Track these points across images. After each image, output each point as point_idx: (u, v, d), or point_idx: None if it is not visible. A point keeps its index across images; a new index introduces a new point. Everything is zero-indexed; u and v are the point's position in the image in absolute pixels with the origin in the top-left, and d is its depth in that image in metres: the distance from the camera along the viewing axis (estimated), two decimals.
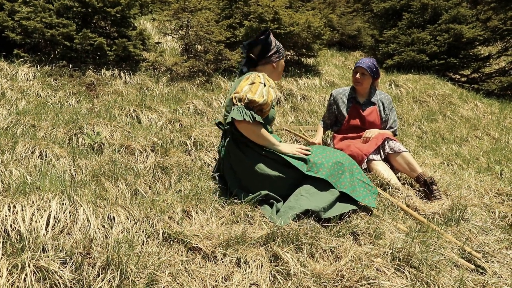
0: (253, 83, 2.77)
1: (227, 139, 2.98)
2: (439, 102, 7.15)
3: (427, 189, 3.25)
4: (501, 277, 2.31)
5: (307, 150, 2.87)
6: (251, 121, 2.65)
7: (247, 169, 2.83)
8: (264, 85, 2.77)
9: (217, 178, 3.15)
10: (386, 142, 3.57)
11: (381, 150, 3.58)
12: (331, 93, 4.13)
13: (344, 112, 3.95)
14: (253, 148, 2.83)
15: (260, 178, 2.79)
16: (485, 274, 2.32)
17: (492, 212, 3.13)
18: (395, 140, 3.57)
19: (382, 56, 9.98)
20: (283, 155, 2.78)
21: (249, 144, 2.84)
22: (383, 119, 3.92)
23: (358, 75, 3.84)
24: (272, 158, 2.80)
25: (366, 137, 3.67)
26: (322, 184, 2.71)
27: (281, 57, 3.14)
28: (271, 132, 3.05)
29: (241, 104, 2.69)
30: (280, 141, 2.97)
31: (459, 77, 10.15)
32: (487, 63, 9.97)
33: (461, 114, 6.86)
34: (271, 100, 2.79)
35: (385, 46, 9.85)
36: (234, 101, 2.73)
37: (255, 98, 2.67)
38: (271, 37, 3.08)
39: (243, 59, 3.16)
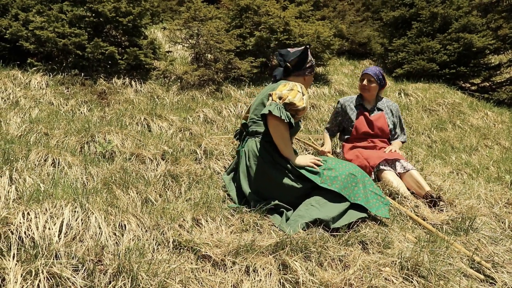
0: (292, 89, 2.81)
1: (248, 141, 3.02)
2: (449, 111, 7.13)
3: (433, 205, 3.24)
4: None
5: (319, 161, 2.90)
6: (285, 121, 2.68)
7: (262, 173, 2.87)
8: (303, 94, 2.83)
9: (227, 181, 3.19)
10: (397, 162, 3.58)
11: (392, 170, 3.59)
12: (339, 101, 4.17)
13: (353, 118, 3.99)
14: (271, 154, 2.87)
15: (273, 184, 2.83)
16: (495, 285, 2.31)
17: (502, 222, 3.11)
18: (405, 160, 3.58)
19: (391, 65, 9.96)
20: (298, 169, 2.82)
21: (269, 149, 2.88)
22: (391, 126, 3.97)
23: (365, 82, 3.91)
24: (287, 168, 2.84)
25: (390, 149, 3.72)
26: (333, 195, 2.73)
27: (312, 72, 3.24)
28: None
29: (281, 102, 2.73)
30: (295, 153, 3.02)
31: (469, 86, 10.09)
32: (498, 72, 9.88)
33: (471, 123, 6.82)
34: (307, 108, 2.84)
35: (394, 55, 9.83)
36: (274, 97, 2.76)
37: (295, 101, 2.73)
38: (309, 52, 3.17)
39: (278, 66, 3.23)
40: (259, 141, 2.96)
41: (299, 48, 3.17)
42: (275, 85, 2.99)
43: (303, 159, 2.87)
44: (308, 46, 3.16)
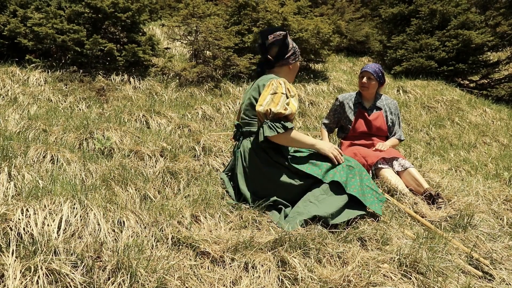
0: (275, 93, 2.73)
1: (244, 141, 3.01)
2: (448, 108, 7.13)
3: (432, 202, 3.23)
4: (509, 284, 2.31)
5: (340, 156, 2.91)
6: (282, 131, 2.67)
7: (259, 173, 2.86)
8: (287, 97, 2.75)
9: (225, 179, 3.18)
10: (395, 160, 3.57)
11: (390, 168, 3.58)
12: (337, 98, 4.14)
13: (351, 117, 3.97)
14: (267, 153, 2.85)
15: (271, 183, 2.81)
16: (493, 281, 2.32)
17: (500, 219, 3.12)
18: (402, 158, 3.57)
19: (390, 62, 9.95)
20: (296, 166, 2.80)
21: (265, 149, 2.86)
22: (390, 124, 3.95)
23: (364, 79, 3.88)
24: (285, 166, 2.83)
25: (378, 149, 3.68)
26: (331, 190, 2.73)
27: (297, 59, 3.09)
28: None
29: (268, 120, 2.69)
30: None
31: (468, 83, 10.10)
32: (496, 69, 9.91)
33: (469, 120, 6.83)
34: (295, 110, 2.77)
35: (393, 52, 9.83)
36: (260, 117, 2.75)
37: (279, 110, 2.66)
38: (288, 38, 3.03)
39: (260, 59, 3.11)
40: (254, 141, 2.94)
41: (278, 33, 3.01)
42: (259, 82, 2.94)
43: (327, 146, 2.88)
44: (286, 32, 3.02)
